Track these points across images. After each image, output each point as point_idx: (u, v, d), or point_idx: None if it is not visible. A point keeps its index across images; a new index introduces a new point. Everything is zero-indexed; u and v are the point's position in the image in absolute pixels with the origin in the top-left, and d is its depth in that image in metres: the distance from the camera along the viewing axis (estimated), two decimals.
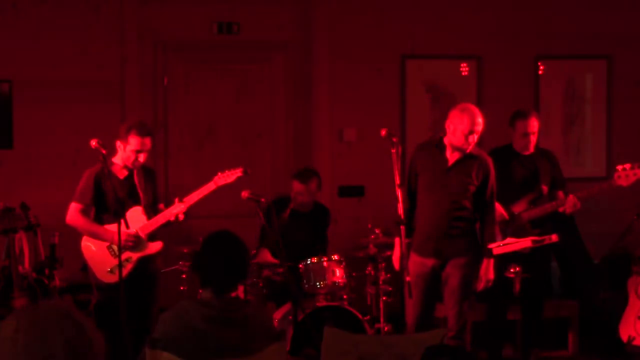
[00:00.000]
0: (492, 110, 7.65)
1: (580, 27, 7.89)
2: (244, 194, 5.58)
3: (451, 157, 5.32)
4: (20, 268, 5.94)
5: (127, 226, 5.30)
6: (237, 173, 5.54)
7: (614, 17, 7.94)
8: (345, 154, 7.56)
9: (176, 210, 5.44)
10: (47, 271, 6.22)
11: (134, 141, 5.33)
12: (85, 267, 5.50)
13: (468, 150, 5.28)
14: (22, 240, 6.28)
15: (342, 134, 7.55)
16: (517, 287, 5.73)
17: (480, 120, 5.25)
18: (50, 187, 6.87)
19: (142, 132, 5.36)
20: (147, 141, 5.38)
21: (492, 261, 5.36)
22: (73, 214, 5.40)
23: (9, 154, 7.06)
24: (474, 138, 5.24)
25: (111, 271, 5.35)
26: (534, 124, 5.95)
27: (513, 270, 5.71)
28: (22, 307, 1.96)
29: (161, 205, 5.67)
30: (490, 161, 5.39)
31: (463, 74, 7.80)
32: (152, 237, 5.50)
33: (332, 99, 7.49)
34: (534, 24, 7.82)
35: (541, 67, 7.92)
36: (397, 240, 5.37)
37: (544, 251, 5.86)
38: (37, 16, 7.07)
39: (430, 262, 5.33)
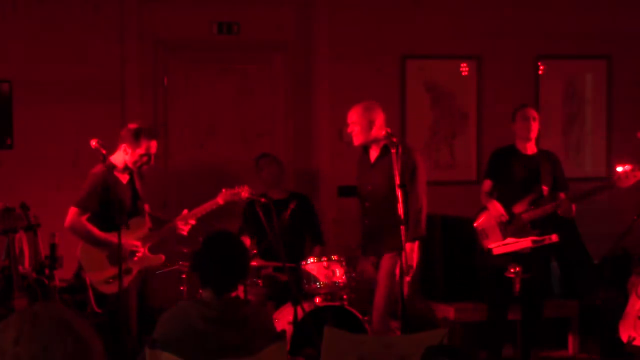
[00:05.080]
0: (492, 110, 7.71)
1: (580, 27, 7.89)
2: (244, 194, 5.60)
3: (372, 155, 5.58)
4: (20, 268, 5.93)
5: (128, 227, 5.30)
6: (243, 192, 5.55)
7: (614, 17, 7.94)
8: (345, 154, 7.55)
9: (183, 223, 5.44)
10: (47, 271, 6.21)
11: (145, 145, 5.32)
12: (79, 274, 5.40)
13: (356, 143, 5.53)
14: (22, 240, 6.27)
15: (342, 134, 7.53)
16: (517, 287, 5.73)
17: (352, 114, 5.55)
18: (50, 187, 6.87)
19: (153, 135, 5.37)
20: (155, 144, 5.39)
21: (416, 247, 5.45)
22: (74, 219, 5.25)
23: (9, 154, 7.06)
24: (352, 129, 5.52)
25: (107, 281, 5.26)
26: (532, 111, 6.02)
27: (513, 270, 5.71)
28: (19, 314, 1.88)
29: (146, 206, 5.62)
30: (412, 150, 5.56)
31: (463, 74, 7.80)
32: (154, 248, 5.50)
33: (332, 99, 7.48)
34: (534, 23, 7.82)
35: (541, 67, 7.91)
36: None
37: (544, 251, 5.87)
38: (37, 16, 7.07)
39: (370, 260, 5.62)
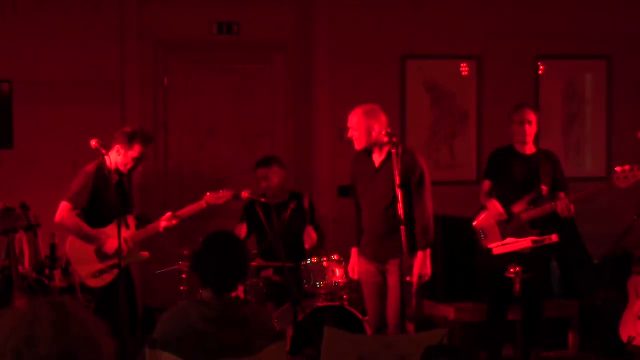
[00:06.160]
0: (492, 110, 7.71)
1: (580, 27, 7.89)
2: (244, 193, 5.61)
3: (377, 159, 5.47)
4: (20, 268, 5.94)
5: (128, 226, 5.33)
6: (227, 196, 5.63)
7: (614, 17, 7.94)
8: (345, 154, 7.54)
9: (166, 224, 5.52)
10: (47, 271, 6.21)
11: (138, 149, 5.35)
12: (67, 268, 5.50)
13: (357, 147, 5.45)
14: (22, 240, 6.27)
15: (342, 134, 7.53)
16: (517, 287, 5.72)
17: (352, 118, 5.44)
18: (50, 187, 6.86)
19: (147, 141, 5.41)
20: (146, 149, 5.47)
21: (428, 254, 5.43)
22: (65, 214, 5.35)
23: (9, 154, 7.06)
24: (352, 134, 5.43)
25: (94, 275, 5.34)
26: (528, 112, 5.94)
27: (513, 270, 5.70)
28: (24, 308, 1.84)
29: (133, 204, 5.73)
30: (415, 153, 5.49)
31: (463, 74, 7.80)
32: (139, 246, 5.59)
33: (332, 99, 7.48)
34: (534, 23, 7.82)
35: (541, 67, 7.91)
36: (353, 250, 5.62)
37: (544, 251, 5.86)
38: (37, 16, 7.07)
39: (372, 265, 5.50)
